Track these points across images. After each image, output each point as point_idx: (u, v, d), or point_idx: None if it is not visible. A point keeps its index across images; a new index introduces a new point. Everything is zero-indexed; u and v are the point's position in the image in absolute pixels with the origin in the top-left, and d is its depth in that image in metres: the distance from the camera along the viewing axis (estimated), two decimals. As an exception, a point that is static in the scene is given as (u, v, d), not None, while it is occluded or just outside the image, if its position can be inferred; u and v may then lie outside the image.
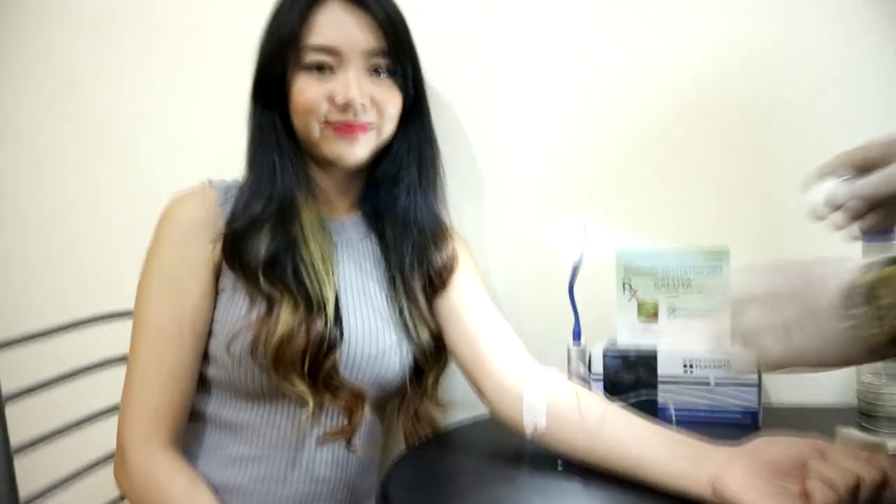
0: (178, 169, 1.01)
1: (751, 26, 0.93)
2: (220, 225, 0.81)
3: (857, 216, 0.58)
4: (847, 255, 0.52)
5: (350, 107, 0.79)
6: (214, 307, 0.81)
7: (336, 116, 0.80)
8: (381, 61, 0.82)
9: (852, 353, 0.49)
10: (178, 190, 0.84)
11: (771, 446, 0.58)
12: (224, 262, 0.80)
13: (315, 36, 0.79)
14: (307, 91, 0.80)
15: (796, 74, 0.92)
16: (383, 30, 0.81)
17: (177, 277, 0.80)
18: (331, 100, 0.79)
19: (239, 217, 0.80)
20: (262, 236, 0.79)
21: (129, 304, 0.83)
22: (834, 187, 0.60)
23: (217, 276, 0.81)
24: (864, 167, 0.60)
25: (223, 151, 0.91)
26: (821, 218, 0.60)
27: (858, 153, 0.61)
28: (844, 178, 0.61)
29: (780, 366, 0.53)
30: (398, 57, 0.83)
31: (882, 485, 0.51)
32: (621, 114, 0.97)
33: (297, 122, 0.82)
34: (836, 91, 0.91)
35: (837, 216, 0.59)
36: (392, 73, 0.83)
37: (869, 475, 0.51)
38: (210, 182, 0.85)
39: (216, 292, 0.81)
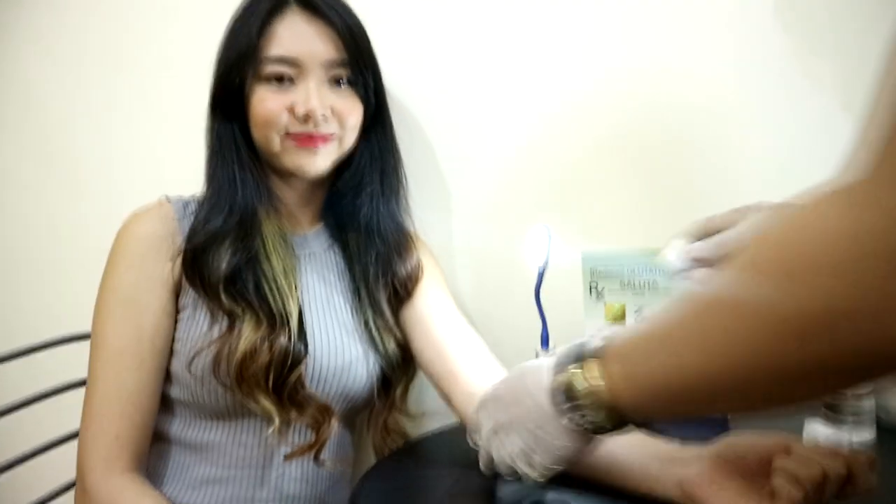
0: (135, 186, 0.99)
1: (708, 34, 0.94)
2: (178, 240, 0.80)
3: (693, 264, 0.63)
4: (544, 359, 0.56)
5: (311, 118, 0.78)
6: (175, 326, 0.79)
7: (297, 128, 0.79)
8: (342, 72, 0.81)
9: (582, 446, 0.54)
10: (135, 208, 0.82)
11: (738, 444, 0.58)
12: (184, 279, 0.79)
13: (274, 47, 0.78)
14: (267, 102, 0.78)
15: (758, 80, 0.93)
16: (343, 40, 0.80)
17: (135, 296, 0.78)
18: (291, 111, 0.78)
19: (198, 232, 0.78)
20: (222, 251, 0.77)
21: (87, 326, 0.81)
22: (681, 248, 0.66)
23: (177, 294, 0.80)
24: (709, 233, 0.65)
25: (181, 168, 0.89)
26: (673, 274, 0.65)
27: (708, 222, 0.66)
28: (692, 241, 0.67)
29: (545, 476, 0.57)
30: (358, 67, 0.82)
31: (847, 479, 0.51)
32: (582, 118, 0.98)
33: (257, 134, 0.80)
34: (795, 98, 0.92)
35: (684, 273, 0.64)
36: (352, 83, 0.82)
37: (833, 469, 0.51)
38: (167, 198, 0.84)
39: (176, 310, 0.79)
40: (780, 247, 0.35)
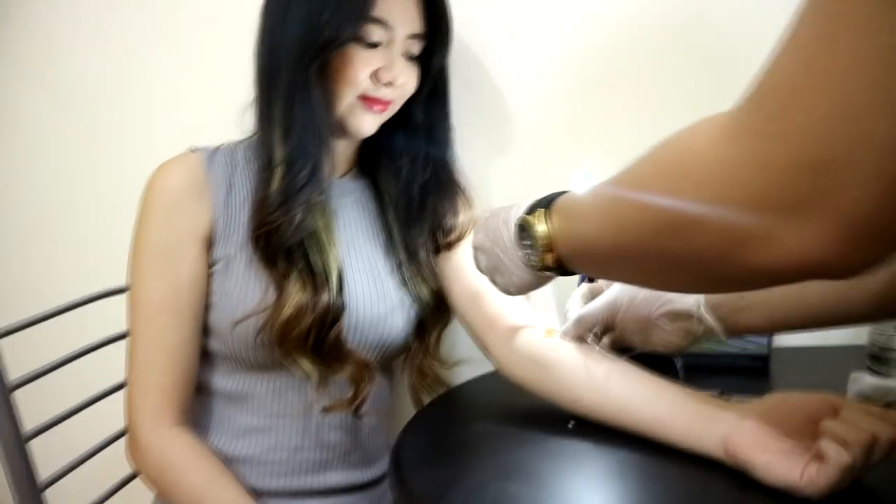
0: (165, 134, 0.98)
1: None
2: (207, 190, 0.78)
3: (589, 334, 0.71)
4: (520, 203, 0.62)
5: (391, 84, 0.77)
6: (210, 278, 0.79)
7: (372, 92, 0.77)
8: (419, 45, 0.80)
9: (534, 280, 0.63)
10: (164, 158, 0.81)
11: (783, 404, 0.57)
12: (215, 231, 0.78)
13: (377, 7, 0.74)
14: (356, 62, 0.75)
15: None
16: (432, 16, 0.80)
17: (168, 251, 0.77)
18: (374, 75, 0.76)
19: (280, 208, 0.75)
20: (294, 220, 0.75)
21: (124, 280, 0.81)
22: (570, 313, 0.73)
23: (209, 246, 0.79)
24: (593, 296, 0.74)
25: (211, 118, 0.87)
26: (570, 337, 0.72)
27: (593, 287, 0.75)
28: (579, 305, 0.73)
29: (511, 294, 0.67)
30: (434, 44, 0.81)
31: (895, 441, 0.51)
32: (634, 62, 0.93)
33: (333, 89, 0.76)
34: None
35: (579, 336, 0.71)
36: (422, 58, 0.81)
37: (884, 433, 0.50)
38: (193, 148, 0.82)
39: (210, 263, 0.79)
40: (667, 159, 0.42)
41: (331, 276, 0.77)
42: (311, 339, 0.75)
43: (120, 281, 0.87)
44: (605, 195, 0.49)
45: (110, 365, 0.86)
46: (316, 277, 0.76)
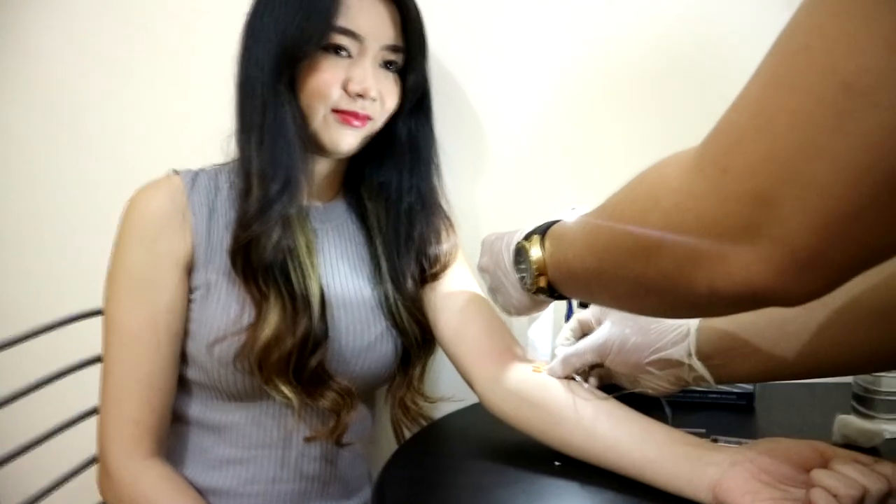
0: (146, 158, 0.96)
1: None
2: (188, 216, 0.77)
3: (576, 373, 0.71)
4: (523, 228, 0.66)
5: (363, 97, 0.75)
6: (189, 306, 0.77)
7: (345, 104, 0.75)
8: (396, 57, 0.78)
9: (530, 302, 0.67)
10: (143, 182, 0.79)
11: (773, 450, 0.56)
12: (195, 257, 0.76)
13: (344, 18, 0.73)
14: (323, 73, 0.74)
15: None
16: (406, 26, 0.78)
17: (148, 277, 0.75)
18: (345, 86, 0.75)
19: (256, 219, 0.73)
20: (272, 236, 0.73)
21: (99, 302, 0.79)
22: (558, 350, 0.73)
23: (189, 272, 0.77)
24: (583, 332, 0.74)
25: (198, 139, 0.85)
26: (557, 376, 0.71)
27: (582, 321, 0.75)
28: (567, 342, 0.74)
29: (511, 314, 0.72)
30: (412, 55, 0.79)
31: (887, 494, 0.50)
32: (623, 96, 0.93)
33: (304, 105, 0.75)
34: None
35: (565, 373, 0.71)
36: (401, 70, 0.79)
37: (874, 486, 0.50)
38: (175, 171, 0.80)
39: (189, 290, 0.77)
40: (641, 189, 0.46)
41: (312, 299, 0.75)
42: (292, 364, 0.74)
43: (97, 302, 0.84)
44: (587, 223, 0.53)
45: (84, 388, 0.83)
46: (296, 300, 0.74)
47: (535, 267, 0.61)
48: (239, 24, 0.77)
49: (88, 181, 1.12)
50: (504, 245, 0.69)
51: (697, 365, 0.63)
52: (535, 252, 0.61)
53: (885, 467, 0.51)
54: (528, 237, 0.63)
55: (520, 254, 0.63)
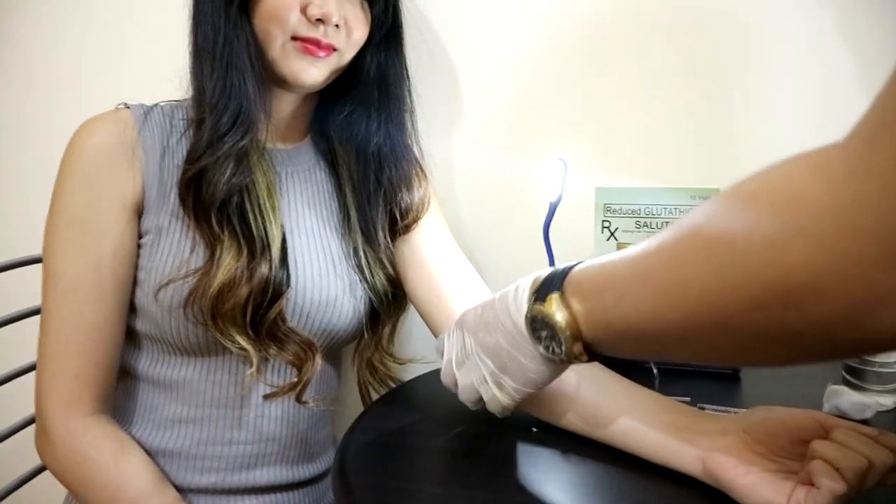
0: (95, 87, 0.88)
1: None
2: (138, 153, 0.70)
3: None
4: (525, 280, 0.53)
5: (324, 22, 0.68)
6: (138, 252, 0.71)
7: (304, 31, 0.68)
8: None
9: (554, 372, 0.52)
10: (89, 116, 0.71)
11: (768, 420, 0.52)
12: (146, 198, 0.70)
13: None
14: None
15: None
16: None
17: (90, 218, 0.68)
18: (304, 10, 0.67)
19: (206, 151, 0.67)
20: (224, 171, 0.67)
21: (38, 249, 0.72)
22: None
23: (139, 215, 0.70)
24: None
25: (146, 71, 0.78)
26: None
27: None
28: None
29: (512, 408, 0.56)
30: None
31: (891, 469, 0.47)
32: (606, 42, 0.87)
33: (260, 32, 0.69)
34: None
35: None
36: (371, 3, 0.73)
37: (879, 458, 0.46)
38: (125, 105, 0.73)
39: (138, 234, 0.71)
40: (757, 211, 0.33)
41: (272, 244, 0.69)
42: (249, 313, 0.68)
43: (37, 249, 0.77)
44: (651, 264, 0.40)
45: (21, 344, 0.77)
46: (254, 243, 0.69)
47: (567, 333, 0.47)
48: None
49: (28, 119, 1.03)
50: (502, 316, 0.54)
51: None
52: (561, 315, 0.47)
53: (890, 439, 0.47)
54: (539, 299, 0.50)
55: (536, 321, 0.50)
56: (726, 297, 0.34)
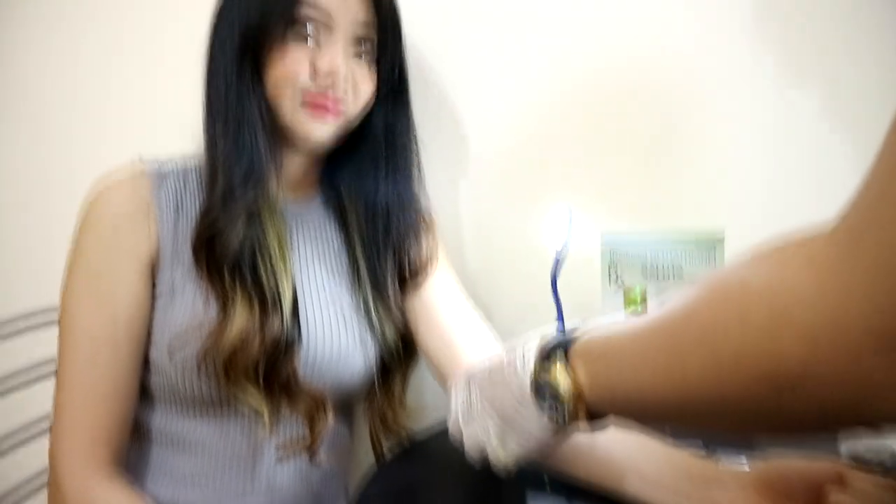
0: (111, 145, 0.90)
1: None
2: (153, 213, 0.71)
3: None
4: (525, 344, 0.53)
5: (332, 80, 0.70)
6: (152, 309, 0.72)
7: (314, 91, 0.70)
8: (369, 35, 0.73)
9: (560, 437, 0.52)
10: (106, 171, 0.73)
11: (783, 469, 0.52)
12: (161, 257, 0.71)
13: None
14: (290, 55, 0.70)
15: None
16: (378, 8, 0.73)
17: (107, 276, 0.70)
18: (313, 69, 0.70)
19: (219, 208, 0.69)
20: (237, 229, 0.69)
21: (56, 301, 0.73)
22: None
23: (154, 272, 0.72)
24: None
25: (158, 126, 0.80)
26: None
27: None
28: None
29: (515, 464, 0.55)
30: (386, 37, 0.74)
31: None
32: (607, 92, 0.90)
33: (272, 92, 0.71)
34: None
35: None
36: (375, 56, 0.75)
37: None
38: (141, 160, 0.75)
39: (153, 292, 0.72)
40: (749, 295, 0.34)
41: (283, 297, 0.70)
42: (262, 369, 0.68)
43: (50, 302, 0.78)
44: (652, 342, 0.41)
45: (37, 398, 0.77)
46: (266, 298, 0.69)
47: (570, 401, 0.48)
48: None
49: (45, 173, 1.06)
50: (509, 376, 0.54)
51: None
52: (565, 381, 0.48)
53: (908, 488, 0.47)
54: (544, 364, 0.50)
55: (540, 387, 0.51)
56: (723, 381, 0.35)
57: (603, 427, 0.50)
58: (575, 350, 0.49)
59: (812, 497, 0.49)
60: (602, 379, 0.46)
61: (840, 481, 0.49)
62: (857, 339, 0.29)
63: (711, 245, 0.78)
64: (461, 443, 0.59)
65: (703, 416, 0.40)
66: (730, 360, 0.34)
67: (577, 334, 0.50)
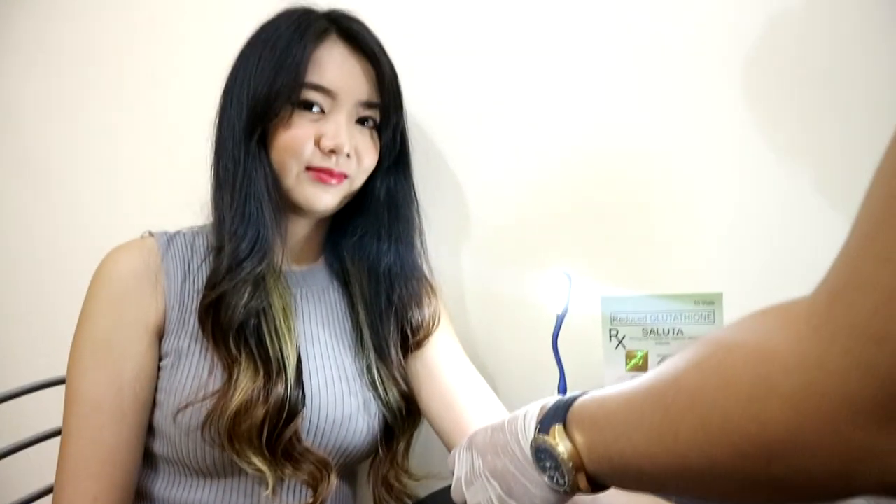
0: (120, 219, 0.94)
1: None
2: (161, 279, 0.73)
3: None
4: (528, 409, 0.55)
5: (336, 153, 0.73)
6: (157, 375, 0.73)
7: (318, 161, 0.74)
8: (372, 113, 0.77)
9: (560, 500, 0.52)
10: (117, 244, 0.76)
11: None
12: (167, 323, 0.73)
13: (314, 74, 0.73)
14: (295, 129, 0.73)
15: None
16: (381, 82, 0.77)
17: (113, 342, 0.71)
18: (318, 143, 0.73)
19: (225, 277, 0.71)
20: (243, 296, 0.71)
21: (62, 371, 0.74)
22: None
23: (160, 338, 0.73)
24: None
25: (169, 202, 0.83)
26: None
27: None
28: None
29: None
30: (389, 112, 0.78)
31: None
32: (604, 160, 0.92)
33: (277, 163, 0.74)
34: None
35: None
36: (378, 126, 0.78)
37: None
38: (150, 233, 0.77)
39: (159, 357, 0.73)
40: (733, 364, 0.35)
41: (288, 364, 0.71)
42: (265, 433, 0.69)
43: (59, 371, 0.80)
44: (645, 410, 0.42)
45: (46, 463, 0.78)
46: (270, 363, 0.71)
47: (569, 465, 0.48)
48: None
49: (58, 245, 1.09)
50: (510, 441, 0.55)
51: None
52: (563, 446, 0.49)
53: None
54: (543, 429, 0.51)
55: (540, 451, 0.52)
56: (713, 446, 0.35)
57: (603, 491, 0.50)
58: (572, 415, 0.49)
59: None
60: (599, 444, 0.47)
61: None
62: (837, 409, 0.29)
63: (710, 307, 0.79)
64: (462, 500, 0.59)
65: (697, 483, 0.39)
66: (717, 424, 0.35)
67: (576, 399, 0.51)
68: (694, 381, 0.38)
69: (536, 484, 0.52)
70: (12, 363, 1.02)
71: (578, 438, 0.48)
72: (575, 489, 0.50)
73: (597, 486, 0.49)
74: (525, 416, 0.55)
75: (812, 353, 0.30)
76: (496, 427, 0.58)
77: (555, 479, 0.50)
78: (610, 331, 0.81)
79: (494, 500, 0.55)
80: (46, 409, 0.80)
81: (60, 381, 0.82)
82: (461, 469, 0.59)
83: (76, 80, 1.10)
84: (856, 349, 0.29)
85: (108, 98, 1.09)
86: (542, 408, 0.53)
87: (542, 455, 0.51)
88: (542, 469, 0.51)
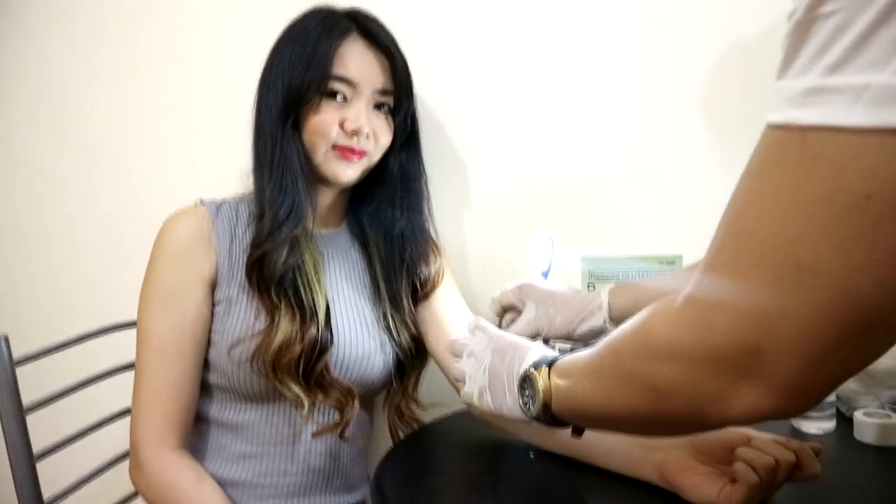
0: (174, 186, 1.08)
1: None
2: (213, 241, 0.88)
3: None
4: (537, 346, 0.69)
5: (357, 134, 0.87)
6: (212, 318, 0.88)
7: (342, 141, 0.87)
8: (387, 99, 0.91)
9: (523, 419, 0.66)
10: (173, 210, 0.90)
11: (708, 436, 0.67)
12: (219, 276, 0.87)
13: (339, 67, 0.86)
14: (323, 115, 0.86)
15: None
16: (394, 72, 0.90)
17: (176, 292, 0.86)
18: (342, 125, 0.87)
19: (267, 238, 0.85)
20: (282, 254, 0.85)
21: (130, 315, 0.90)
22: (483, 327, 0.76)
23: (213, 289, 0.88)
24: (503, 310, 0.92)
25: (215, 172, 0.98)
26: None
27: (501, 299, 0.91)
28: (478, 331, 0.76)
29: (475, 406, 0.73)
30: (401, 98, 0.91)
31: (796, 465, 0.61)
32: (589, 142, 1.06)
33: (307, 142, 0.88)
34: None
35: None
36: (391, 110, 0.92)
37: (783, 457, 0.60)
38: (201, 201, 0.91)
39: (212, 304, 0.88)
40: (636, 341, 0.51)
41: (318, 310, 0.86)
42: (301, 367, 0.84)
43: (129, 315, 0.95)
44: (592, 366, 0.57)
45: (116, 393, 0.94)
46: (304, 310, 0.85)
47: (542, 396, 0.61)
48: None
49: (118, 211, 1.25)
50: (515, 361, 0.68)
51: (613, 328, 0.73)
52: (542, 383, 0.61)
53: (794, 443, 0.62)
54: (536, 366, 0.64)
55: (526, 380, 0.65)
56: (624, 393, 0.51)
57: (558, 426, 0.63)
58: (557, 364, 0.63)
59: (728, 455, 0.64)
60: (564, 389, 0.60)
61: (747, 442, 0.64)
62: (692, 367, 0.44)
63: (671, 266, 0.93)
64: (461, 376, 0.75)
65: (623, 420, 0.55)
66: (629, 376, 0.51)
67: (564, 355, 0.64)
68: (613, 344, 0.53)
69: (513, 398, 0.67)
70: (86, 309, 1.18)
71: (554, 382, 0.61)
72: (539, 417, 0.63)
73: (556, 422, 0.62)
74: (532, 349, 0.68)
75: (676, 333, 0.46)
76: (518, 344, 0.71)
77: (527, 405, 0.64)
78: (588, 285, 0.97)
79: (476, 387, 0.72)
80: (119, 348, 0.95)
81: (128, 324, 0.98)
82: (475, 343, 0.75)
83: (141, 48, 1.23)
84: (697, 333, 0.44)
85: (161, 79, 1.23)
86: (544, 350, 0.68)
87: (525, 384, 0.65)
88: (521, 392, 0.66)
